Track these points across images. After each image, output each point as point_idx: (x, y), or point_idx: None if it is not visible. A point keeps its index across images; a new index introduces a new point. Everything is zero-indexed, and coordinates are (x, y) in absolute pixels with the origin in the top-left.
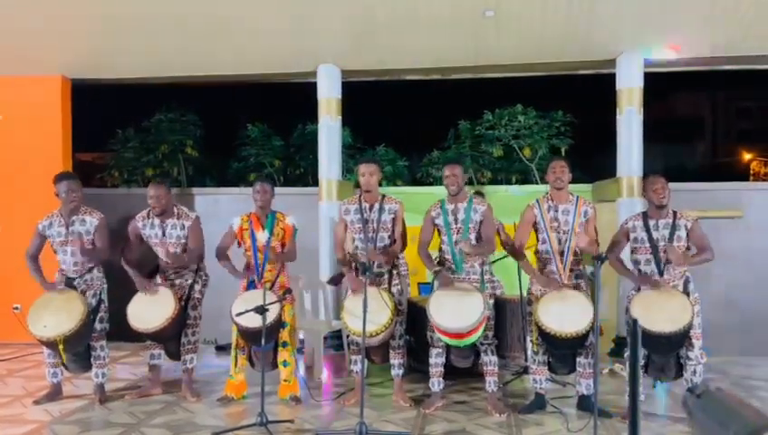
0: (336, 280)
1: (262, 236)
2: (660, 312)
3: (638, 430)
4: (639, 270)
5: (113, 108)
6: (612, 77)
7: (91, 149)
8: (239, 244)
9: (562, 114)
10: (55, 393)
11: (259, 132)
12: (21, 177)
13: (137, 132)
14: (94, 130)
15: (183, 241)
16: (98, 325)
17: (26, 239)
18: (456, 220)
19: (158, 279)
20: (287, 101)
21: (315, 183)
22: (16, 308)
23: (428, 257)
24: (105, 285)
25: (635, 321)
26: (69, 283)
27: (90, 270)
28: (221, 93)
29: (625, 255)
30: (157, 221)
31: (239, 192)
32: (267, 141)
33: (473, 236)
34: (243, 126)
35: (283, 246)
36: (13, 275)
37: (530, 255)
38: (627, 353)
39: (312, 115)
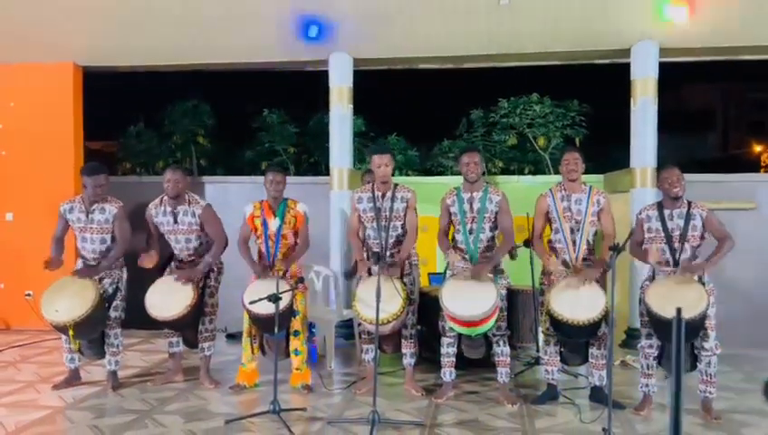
0: (351, 273)
1: (273, 224)
2: (675, 299)
3: (680, 424)
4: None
5: (123, 96)
6: (626, 67)
7: (101, 138)
8: (252, 231)
9: (578, 104)
10: (73, 378)
11: (276, 118)
12: (33, 164)
13: (148, 123)
14: (104, 119)
15: (195, 228)
16: (112, 313)
17: (39, 227)
18: (471, 209)
19: (173, 267)
20: (301, 90)
21: (328, 172)
22: (28, 295)
23: (446, 243)
24: (124, 274)
25: (679, 310)
26: None
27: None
28: (233, 82)
29: None
30: (168, 208)
31: (250, 181)
32: (283, 128)
33: (488, 226)
34: (255, 115)
35: (295, 233)
36: (26, 263)
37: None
38: (640, 345)
39: (327, 104)
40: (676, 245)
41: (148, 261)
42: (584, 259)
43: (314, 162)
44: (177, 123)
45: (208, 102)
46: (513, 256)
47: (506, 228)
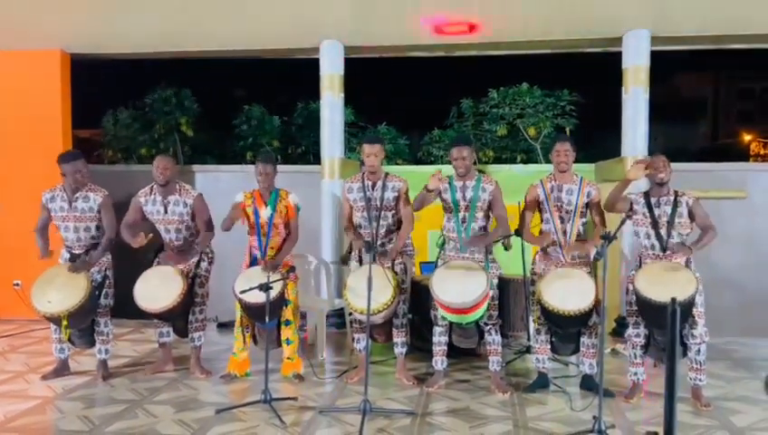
0: (345, 259)
1: (265, 214)
2: (664, 283)
3: (675, 409)
4: (640, 243)
5: (111, 84)
6: (616, 56)
7: (90, 126)
8: (243, 221)
9: (568, 93)
10: (63, 369)
11: (258, 113)
12: (21, 153)
13: (134, 110)
14: (92, 107)
15: (186, 218)
16: (102, 301)
17: (26, 216)
18: (464, 198)
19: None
20: (288, 78)
21: (317, 161)
22: (17, 284)
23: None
24: (111, 262)
25: (674, 299)
26: (74, 259)
27: (94, 247)
28: (219, 69)
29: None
30: (159, 198)
31: (240, 169)
32: (266, 122)
33: (480, 215)
34: (242, 103)
35: (286, 224)
36: (13, 252)
37: (534, 234)
38: (627, 333)
39: (315, 93)
40: (663, 231)
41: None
42: None
43: (303, 152)
44: (158, 111)
45: (192, 90)
46: (506, 247)
47: (499, 217)
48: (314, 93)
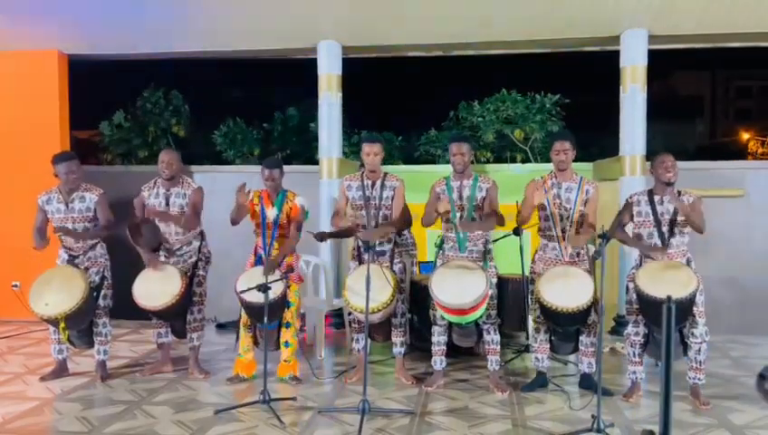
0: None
1: (271, 214)
2: (665, 281)
3: (670, 406)
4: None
5: (108, 85)
6: (612, 56)
7: (89, 127)
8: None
9: (553, 97)
10: (61, 370)
11: (233, 130)
12: (19, 154)
13: (128, 114)
14: (91, 108)
15: (185, 210)
16: (101, 302)
17: (25, 216)
18: (460, 197)
19: (161, 257)
20: (284, 78)
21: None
22: (15, 286)
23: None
24: (108, 262)
25: (669, 297)
26: (71, 260)
27: (93, 247)
28: (212, 69)
29: (628, 231)
30: (162, 190)
31: (236, 170)
32: (243, 133)
33: (477, 215)
34: (235, 104)
35: (289, 223)
36: (12, 253)
37: (532, 233)
38: (626, 332)
39: (312, 93)
40: (665, 229)
41: (137, 231)
42: (573, 247)
43: (289, 155)
44: (148, 113)
45: (183, 91)
46: (517, 233)
47: (491, 211)
48: (312, 94)
